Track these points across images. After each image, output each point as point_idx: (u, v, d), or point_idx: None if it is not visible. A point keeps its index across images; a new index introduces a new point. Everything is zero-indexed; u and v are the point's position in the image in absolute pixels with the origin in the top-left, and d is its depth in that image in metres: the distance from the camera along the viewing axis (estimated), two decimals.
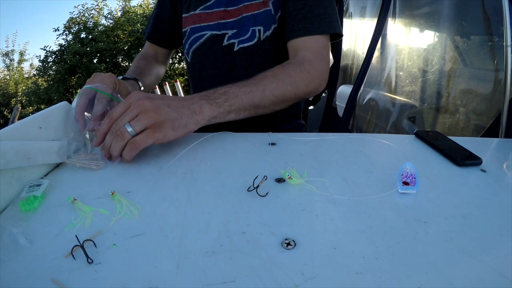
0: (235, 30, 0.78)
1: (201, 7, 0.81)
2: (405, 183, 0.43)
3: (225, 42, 0.80)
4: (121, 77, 0.74)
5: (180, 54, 7.90)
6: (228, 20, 0.78)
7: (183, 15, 0.85)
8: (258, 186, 0.42)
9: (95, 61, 7.94)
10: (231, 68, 0.81)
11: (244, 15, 0.77)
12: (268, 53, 0.79)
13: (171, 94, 3.57)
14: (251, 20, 0.77)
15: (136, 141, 0.48)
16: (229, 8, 0.78)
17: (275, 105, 0.65)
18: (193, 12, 0.82)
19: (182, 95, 3.69)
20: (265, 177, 0.43)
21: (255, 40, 0.77)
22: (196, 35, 0.82)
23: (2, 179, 0.40)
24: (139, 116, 0.48)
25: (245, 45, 0.78)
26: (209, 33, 0.80)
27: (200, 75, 0.86)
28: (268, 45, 0.78)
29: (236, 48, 0.79)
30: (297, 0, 0.72)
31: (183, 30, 0.85)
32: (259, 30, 0.77)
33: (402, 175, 0.44)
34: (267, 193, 0.42)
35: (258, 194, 0.42)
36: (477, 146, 0.58)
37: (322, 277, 0.29)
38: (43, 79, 8.68)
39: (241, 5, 0.77)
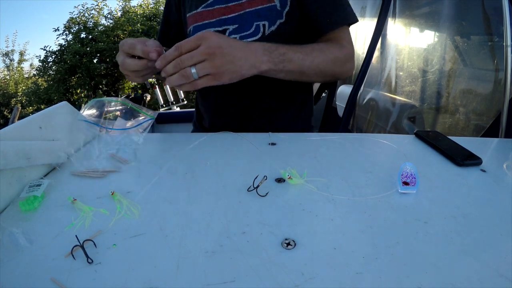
0: (236, 25, 0.78)
1: (202, 5, 0.81)
2: (405, 183, 0.43)
3: None
4: None
5: None
6: (229, 16, 0.78)
7: (187, 15, 0.85)
8: (258, 186, 0.42)
9: (95, 61, 7.94)
10: None
11: (247, 10, 0.77)
12: None
13: (170, 94, 3.56)
14: (254, 15, 0.77)
15: (197, 84, 0.53)
16: (230, 4, 0.78)
17: (316, 77, 0.71)
18: (195, 11, 0.82)
19: (182, 95, 3.65)
20: (265, 177, 0.43)
21: (259, 35, 0.77)
22: None
23: (2, 179, 0.40)
24: (206, 62, 0.52)
25: (249, 40, 0.78)
26: (211, 30, 0.80)
27: None
28: (274, 40, 0.78)
29: None
30: None
31: (187, 29, 0.85)
32: (264, 25, 0.77)
33: (402, 175, 0.44)
34: (267, 193, 0.42)
35: (258, 194, 0.42)
36: (477, 146, 0.58)
37: (322, 277, 0.29)
38: (43, 79, 8.67)
39: (243, 1, 0.77)
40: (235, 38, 0.79)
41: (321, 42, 0.73)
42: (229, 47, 0.54)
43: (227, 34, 0.79)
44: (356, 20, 0.77)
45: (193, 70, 0.51)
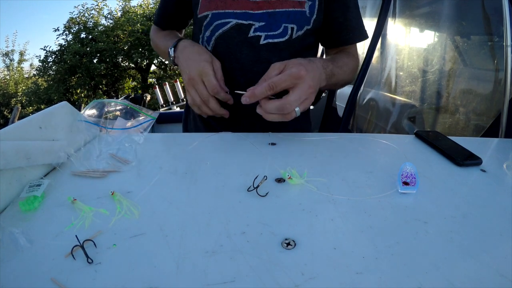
0: (263, 23, 0.76)
1: None
2: (405, 183, 0.43)
3: (251, 34, 0.78)
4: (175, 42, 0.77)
5: None
6: (256, 12, 0.76)
7: None
8: (258, 186, 0.42)
9: (95, 61, 7.94)
10: (255, 62, 0.79)
11: (277, 10, 0.75)
12: (297, 51, 0.79)
13: (171, 94, 3.56)
14: (284, 16, 0.76)
15: (292, 117, 0.57)
16: (258, 0, 0.76)
17: (339, 86, 0.80)
18: None
19: (182, 95, 3.65)
20: (265, 177, 0.43)
21: (287, 37, 0.77)
22: (220, 21, 0.78)
23: (2, 179, 0.40)
24: (306, 101, 0.57)
25: (275, 40, 0.77)
26: (234, 21, 0.77)
27: (222, 67, 0.80)
28: (298, 44, 0.78)
29: (262, 42, 0.77)
30: (344, 9, 0.80)
31: (202, 14, 0.80)
32: (292, 28, 0.77)
33: (402, 175, 0.44)
34: (267, 193, 0.42)
35: (258, 194, 0.42)
36: (477, 146, 0.58)
37: (322, 277, 0.29)
38: (43, 79, 8.69)
39: None
40: (260, 36, 0.77)
41: (343, 54, 0.80)
42: (314, 79, 0.58)
43: (252, 30, 0.77)
44: (368, 37, 0.85)
45: (297, 109, 0.56)
